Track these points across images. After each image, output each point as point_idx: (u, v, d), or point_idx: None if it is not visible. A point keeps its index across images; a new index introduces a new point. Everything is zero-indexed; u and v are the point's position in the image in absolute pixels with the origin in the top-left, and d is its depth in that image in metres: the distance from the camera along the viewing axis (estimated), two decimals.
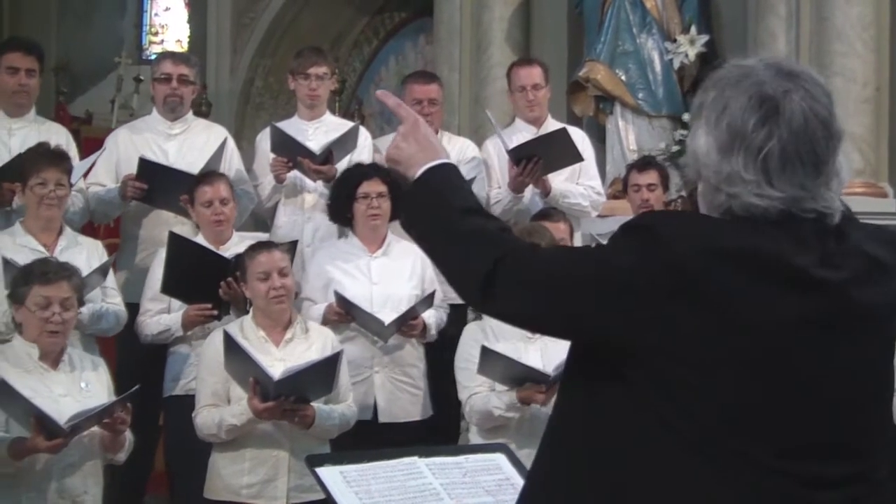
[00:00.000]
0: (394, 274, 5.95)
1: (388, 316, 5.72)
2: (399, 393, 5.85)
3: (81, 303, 5.06)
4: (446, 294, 5.89)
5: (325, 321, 5.78)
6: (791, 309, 2.15)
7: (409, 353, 5.90)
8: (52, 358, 4.81)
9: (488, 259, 2.25)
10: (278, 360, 5.12)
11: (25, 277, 4.84)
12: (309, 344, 5.26)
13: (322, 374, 5.06)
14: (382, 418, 5.80)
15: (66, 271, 4.86)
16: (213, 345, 5.19)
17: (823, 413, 2.18)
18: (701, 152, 2.22)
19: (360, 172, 6.11)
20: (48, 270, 4.83)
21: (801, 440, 2.16)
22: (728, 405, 2.14)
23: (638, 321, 2.15)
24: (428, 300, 5.84)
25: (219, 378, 5.11)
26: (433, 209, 2.39)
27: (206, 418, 5.10)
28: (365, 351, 5.81)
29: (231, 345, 4.96)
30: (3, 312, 5.24)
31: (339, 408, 5.21)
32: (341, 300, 5.75)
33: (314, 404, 5.06)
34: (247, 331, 5.21)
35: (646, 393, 2.16)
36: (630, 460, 2.18)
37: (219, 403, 5.11)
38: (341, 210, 6.08)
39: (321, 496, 4.96)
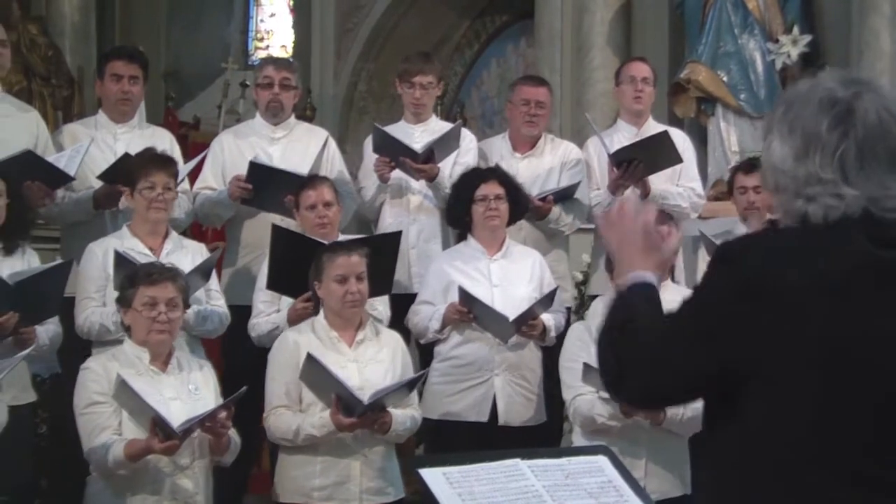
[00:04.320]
0: (513, 276, 5.95)
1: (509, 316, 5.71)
2: (517, 397, 5.85)
3: (187, 304, 5.13)
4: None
5: (446, 321, 5.81)
6: (860, 303, 2.22)
7: (528, 357, 5.88)
8: (162, 360, 4.90)
9: (618, 352, 2.42)
10: (351, 361, 5.12)
11: (131, 280, 4.94)
12: (380, 346, 5.24)
13: (404, 390, 5.11)
14: (502, 421, 5.80)
15: (170, 272, 4.97)
16: (285, 346, 5.19)
17: None
18: (777, 161, 2.31)
19: (478, 175, 6.12)
20: (153, 272, 4.93)
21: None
22: (822, 409, 2.22)
23: (739, 341, 2.25)
24: (547, 300, 5.81)
25: (291, 379, 5.08)
26: (617, 321, 2.49)
27: (281, 423, 5.08)
28: (486, 353, 5.82)
29: (314, 366, 4.93)
30: (113, 313, 5.32)
31: (409, 412, 5.20)
32: (465, 296, 5.74)
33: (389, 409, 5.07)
34: (319, 331, 5.18)
35: (757, 414, 2.27)
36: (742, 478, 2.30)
37: (291, 406, 5.09)
38: (460, 213, 6.08)
39: (392, 499, 5.10)
